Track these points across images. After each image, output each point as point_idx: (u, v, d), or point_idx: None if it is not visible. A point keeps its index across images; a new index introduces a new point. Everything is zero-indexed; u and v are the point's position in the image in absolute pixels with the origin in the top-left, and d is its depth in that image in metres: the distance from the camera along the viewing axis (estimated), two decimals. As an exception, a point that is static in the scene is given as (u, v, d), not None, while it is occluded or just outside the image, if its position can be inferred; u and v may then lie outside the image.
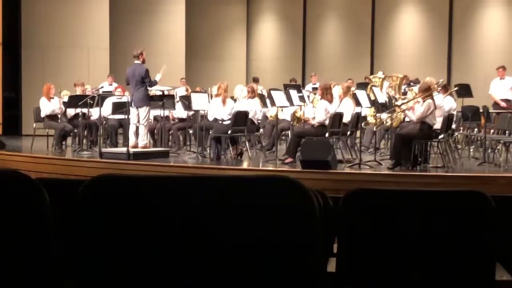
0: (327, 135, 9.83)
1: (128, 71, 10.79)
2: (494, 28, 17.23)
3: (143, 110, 10.73)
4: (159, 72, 11.28)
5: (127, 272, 1.71)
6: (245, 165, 10.48)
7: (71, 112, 12.48)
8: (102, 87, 13.72)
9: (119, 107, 11.74)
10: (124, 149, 10.51)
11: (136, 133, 10.79)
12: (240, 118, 10.46)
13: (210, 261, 1.68)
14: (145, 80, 10.58)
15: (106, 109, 12.31)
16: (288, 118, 11.83)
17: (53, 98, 12.13)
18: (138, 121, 10.77)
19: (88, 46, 16.98)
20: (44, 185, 1.80)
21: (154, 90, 12.12)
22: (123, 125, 11.93)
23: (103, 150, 10.90)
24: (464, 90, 12.91)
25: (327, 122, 9.95)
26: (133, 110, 10.76)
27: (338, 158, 9.91)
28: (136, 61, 10.76)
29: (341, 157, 10.43)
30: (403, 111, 9.75)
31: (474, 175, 8.93)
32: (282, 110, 11.76)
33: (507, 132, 11.32)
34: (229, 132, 10.35)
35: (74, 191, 1.71)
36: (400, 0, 18.77)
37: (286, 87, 11.68)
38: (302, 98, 11.29)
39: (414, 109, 9.29)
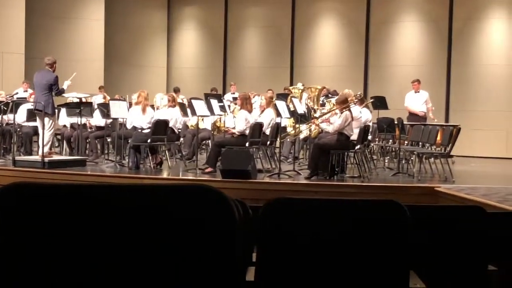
0: (247, 144, 9.88)
1: (36, 76, 10.57)
2: (408, 43, 17.81)
3: (48, 118, 10.47)
4: (67, 80, 11.05)
5: (38, 284, 1.66)
6: (164, 174, 10.39)
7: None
8: (17, 93, 13.30)
9: (33, 114, 11.41)
10: (38, 157, 10.22)
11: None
12: (160, 126, 10.37)
13: (126, 272, 1.65)
14: (53, 87, 10.38)
15: (21, 116, 11.94)
16: (209, 128, 11.82)
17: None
18: (42, 128, 10.49)
19: (2, 51, 16.43)
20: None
21: (71, 98, 11.87)
22: (38, 132, 11.61)
23: (17, 158, 10.57)
24: (380, 102, 13.27)
25: (247, 131, 10.01)
26: (38, 117, 10.54)
27: (258, 168, 9.99)
28: (48, 68, 10.54)
29: (261, 166, 10.51)
30: (318, 125, 9.93)
31: (389, 185, 9.19)
32: (202, 119, 11.74)
33: (420, 143, 11.70)
34: (149, 140, 10.25)
35: (-15, 200, 1.65)
36: (319, 13, 19.12)
37: (207, 96, 11.69)
38: (222, 108, 11.31)
39: (331, 121, 9.49)
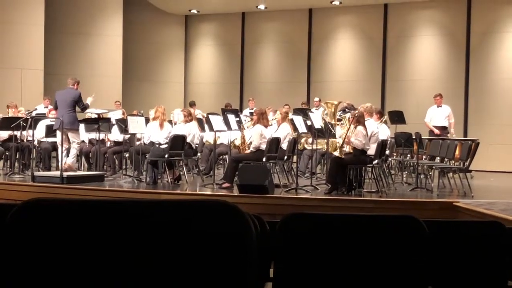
0: (264, 159, 9.88)
1: (59, 95, 10.87)
2: (426, 57, 17.76)
3: (72, 133, 10.74)
4: (89, 97, 11.34)
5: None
6: (182, 189, 10.40)
7: (4, 134, 12.16)
8: (36, 109, 13.43)
9: (52, 130, 11.52)
10: (57, 173, 10.30)
11: (66, 155, 10.75)
12: (178, 142, 10.40)
13: (146, 285, 1.65)
14: (78, 104, 10.71)
15: (39, 132, 12.05)
16: (226, 143, 11.84)
17: (-14, 120, 11.85)
18: (68, 143, 10.77)
19: (21, 67, 16.62)
20: (-27, 210, 1.74)
21: (90, 113, 11.99)
22: (57, 148, 11.70)
23: (36, 173, 10.65)
24: (398, 117, 13.22)
25: (263, 146, 10.00)
26: (59, 134, 10.74)
27: (275, 183, 9.97)
28: (70, 86, 10.86)
29: (278, 181, 10.49)
30: (343, 144, 9.87)
31: (407, 200, 9.13)
32: (219, 137, 11.77)
33: (438, 158, 11.62)
34: (166, 156, 10.28)
35: (5, 215, 1.66)
36: (336, 28, 19.14)
37: (224, 112, 11.71)
38: (239, 123, 11.33)
39: (350, 141, 9.47)
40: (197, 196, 9.52)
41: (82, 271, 1.66)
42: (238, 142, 11.32)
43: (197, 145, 11.49)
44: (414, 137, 11.26)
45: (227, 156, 11.66)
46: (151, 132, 10.89)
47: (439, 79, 17.27)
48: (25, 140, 12.19)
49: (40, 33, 16.96)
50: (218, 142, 11.74)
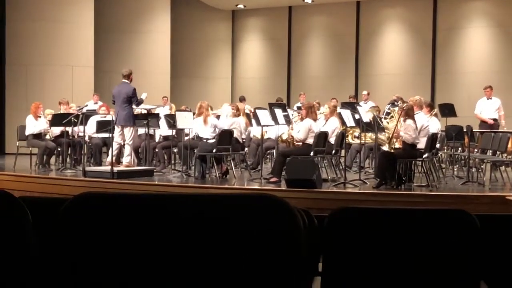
0: (312, 154, 9.84)
1: (115, 90, 10.86)
2: (477, 49, 17.43)
3: (128, 130, 10.74)
4: (143, 94, 11.36)
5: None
6: (230, 184, 10.45)
7: (56, 130, 12.42)
8: (87, 105, 13.66)
9: (103, 126, 11.69)
10: (108, 168, 10.46)
11: (120, 152, 10.78)
12: (225, 136, 10.45)
13: (195, 279, 1.67)
14: (133, 99, 10.67)
15: (90, 128, 12.26)
16: (273, 137, 11.83)
17: (40, 117, 12.09)
18: (123, 140, 10.78)
19: (72, 65, 16.94)
20: (27, 204, 1.78)
21: (139, 109, 12.13)
22: (107, 143, 11.88)
23: (87, 168, 10.84)
24: (448, 110, 13.00)
25: (311, 141, 9.96)
26: (117, 129, 10.76)
27: (323, 177, 9.93)
28: (124, 80, 10.81)
29: (326, 176, 10.44)
30: (394, 138, 9.74)
31: (458, 194, 8.98)
32: (266, 132, 11.77)
33: (490, 151, 11.39)
34: (214, 150, 10.34)
35: (57, 209, 1.70)
36: (384, 21, 18.94)
37: (271, 106, 11.70)
38: (287, 117, 11.31)
39: (399, 134, 9.36)
40: (244, 190, 9.55)
41: (132, 264, 1.69)
42: (285, 136, 11.30)
43: (244, 140, 11.51)
44: (465, 130, 11.06)
45: (274, 151, 11.66)
46: (196, 128, 10.97)
47: (490, 71, 16.92)
48: (76, 136, 12.42)
49: (90, 31, 17.27)
50: (265, 137, 11.75)
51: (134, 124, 10.90)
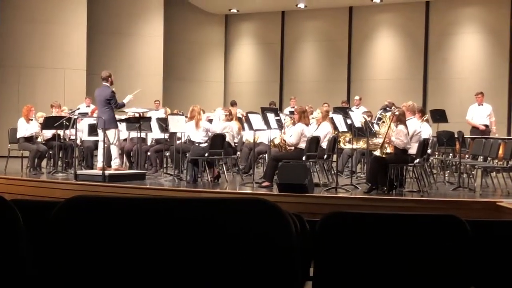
0: (304, 158, 9.85)
1: (96, 93, 10.87)
2: (469, 55, 17.50)
3: (111, 132, 10.69)
4: (130, 94, 11.21)
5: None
6: (222, 188, 10.44)
7: (48, 133, 12.38)
8: (79, 108, 13.63)
9: (95, 129, 11.67)
10: (99, 171, 10.43)
11: (106, 155, 10.71)
12: (217, 141, 10.45)
13: (187, 283, 1.67)
14: (111, 102, 10.56)
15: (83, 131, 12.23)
16: (266, 141, 11.83)
17: (31, 120, 12.05)
18: (106, 143, 10.71)
19: (64, 67, 16.91)
20: (18, 207, 1.77)
21: (131, 112, 12.10)
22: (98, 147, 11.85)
23: (78, 172, 10.81)
24: (439, 116, 13.05)
25: (303, 145, 9.98)
26: (100, 132, 10.73)
27: (315, 182, 9.94)
28: (104, 83, 10.75)
29: (318, 180, 10.46)
30: (386, 143, 9.77)
31: (449, 199, 9.00)
32: (259, 136, 11.77)
33: (482, 157, 11.43)
34: (206, 154, 10.34)
35: (49, 213, 1.69)
36: (376, 27, 19.00)
37: (264, 111, 11.71)
38: (279, 122, 11.32)
39: (391, 140, 9.38)
40: (236, 194, 9.55)
41: (124, 268, 1.68)
42: (277, 141, 11.30)
43: (236, 144, 11.51)
44: (456, 136, 11.09)
45: (266, 155, 11.67)
46: (188, 132, 10.97)
47: (482, 77, 16.99)
48: (68, 139, 12.39)
49: (82, 33, 17.24)
50: (257, 141, 11.75)
51: (116, 126, 10.84)
